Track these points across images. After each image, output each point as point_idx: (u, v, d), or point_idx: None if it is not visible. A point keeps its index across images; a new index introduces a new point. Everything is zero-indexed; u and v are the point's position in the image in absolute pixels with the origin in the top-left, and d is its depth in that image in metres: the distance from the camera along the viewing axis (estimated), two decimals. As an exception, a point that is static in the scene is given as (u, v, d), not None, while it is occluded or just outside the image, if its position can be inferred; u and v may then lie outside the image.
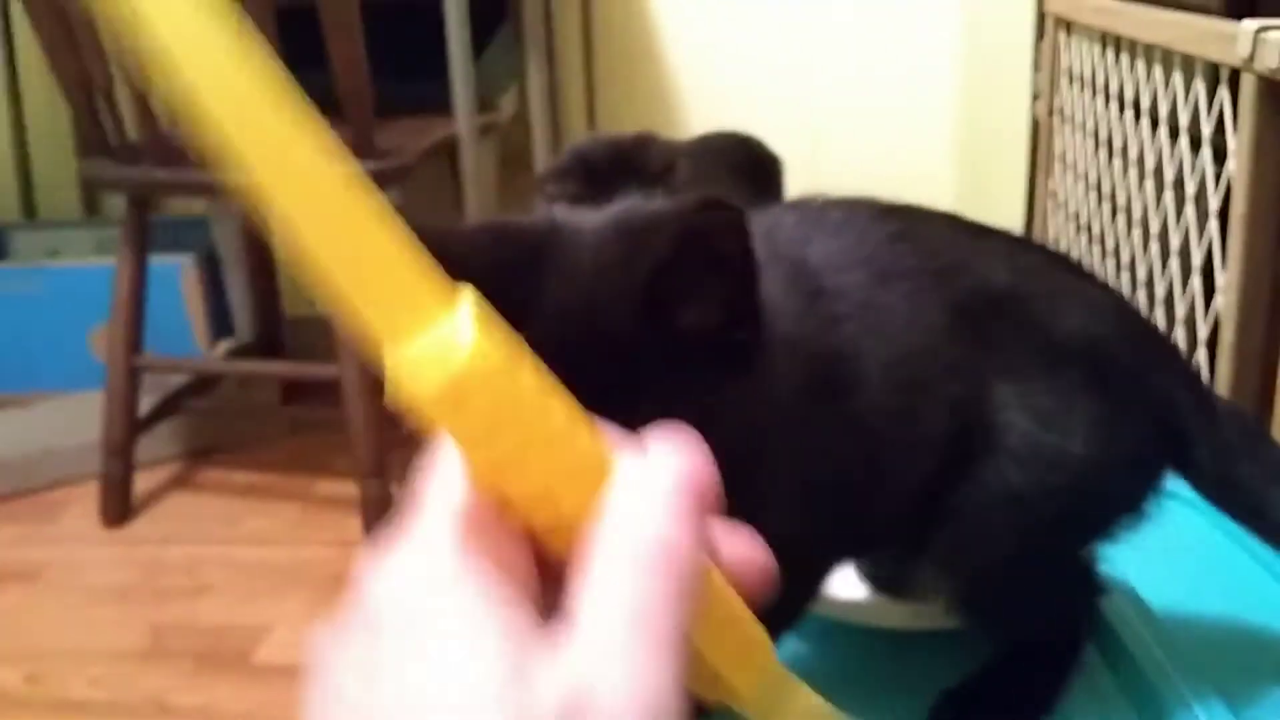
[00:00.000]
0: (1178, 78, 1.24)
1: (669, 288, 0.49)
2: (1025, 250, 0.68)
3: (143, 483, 2.11)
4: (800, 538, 0.53)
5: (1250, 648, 0.73)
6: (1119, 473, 0.64)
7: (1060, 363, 0.62)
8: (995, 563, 0.63)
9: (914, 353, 0.60)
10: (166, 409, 2.17)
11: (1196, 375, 0.69)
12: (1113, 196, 1.47)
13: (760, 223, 0.59)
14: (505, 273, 0.49)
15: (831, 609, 0.76)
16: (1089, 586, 0.69)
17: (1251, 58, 0.99)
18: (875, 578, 0.76)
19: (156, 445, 2.19)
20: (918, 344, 0.60)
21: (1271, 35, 0.96)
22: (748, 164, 1.90)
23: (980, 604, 0.67)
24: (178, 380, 2.25)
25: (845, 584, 0.76)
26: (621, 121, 2.62)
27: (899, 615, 0.75)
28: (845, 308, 0.59)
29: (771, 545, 0.38)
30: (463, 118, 2.04)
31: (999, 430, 0.61)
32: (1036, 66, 1.98)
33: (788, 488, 0.58)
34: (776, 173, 1.91)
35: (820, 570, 0.65)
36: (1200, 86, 1.18)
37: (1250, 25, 1.00)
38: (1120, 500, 0.66)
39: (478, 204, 2.08)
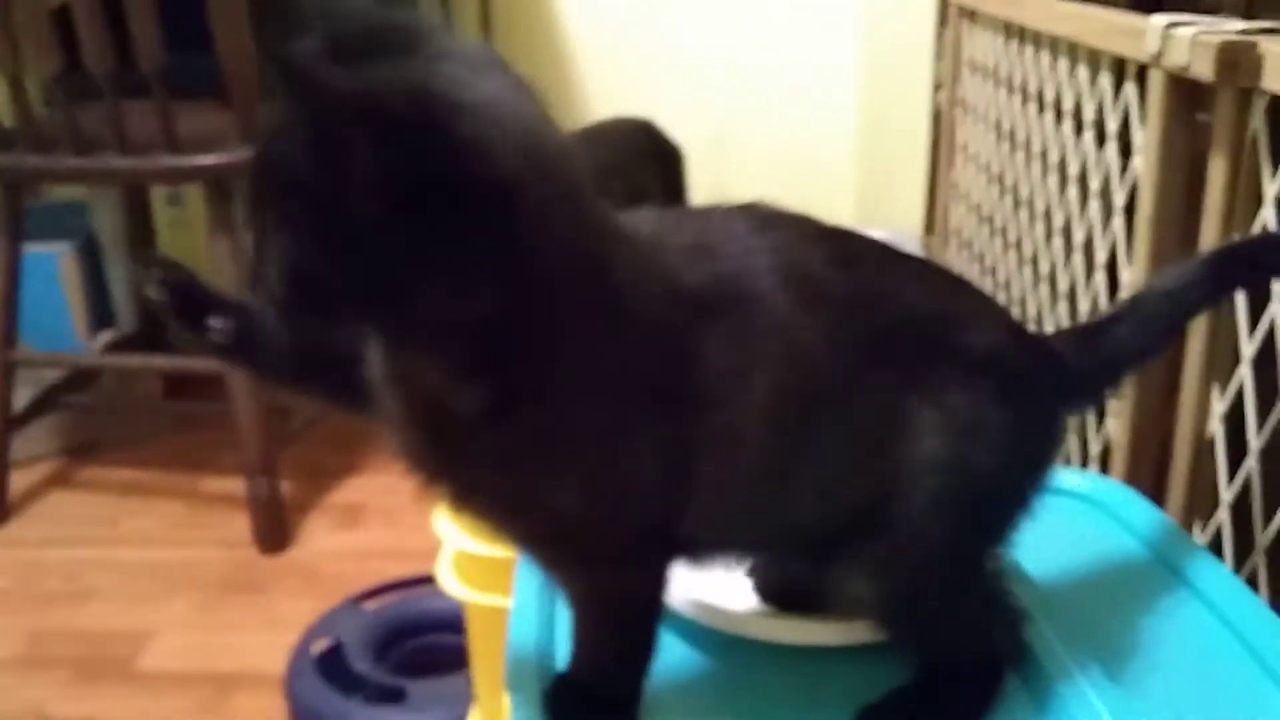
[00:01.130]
0: (1083, 71, 1.23)
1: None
2: (935, 274, 0.73)
3: (18, 482, 2.02)
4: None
5: (1127, 616, 0.80)
6: (1024, 473, 0.71)
7: (972, 376, 0.67)
8: (918, 568, 0.67)
9: (823, 373, 0.64)
10: (43, 404, 2.08)
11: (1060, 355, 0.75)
12: (1015, 190, 1.47)
13: (699, 221, 0.66)
14: None
15: (745, 626, 0.75)
16: (1008, 609, 0.73)
17: (1160, 54, 0.99)
18: (781, 593, 0.76)
19: (32, 442, 2.10)
20: (828, 367, 0.64)
21: (1180, 31, 0.95)
22: (650, 150, 1.87)
23: (902, 613, 0.70)
24: (55, 374, 2.16)
25: (750, 599, 0.75)
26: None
27: (817, 632, 0.75)
28: (755, 321, 0.62)
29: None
30: (355, 102, 1.97)
31: (920, 443, 0.65)
32: (939, 56, 1.98)
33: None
34: (678, 160, 1.89)
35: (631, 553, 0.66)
36: (1106, 81, 1.18)
37: (1159, 21, 0.99)
38: (1025, 499, 0.71)
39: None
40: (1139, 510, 0.90)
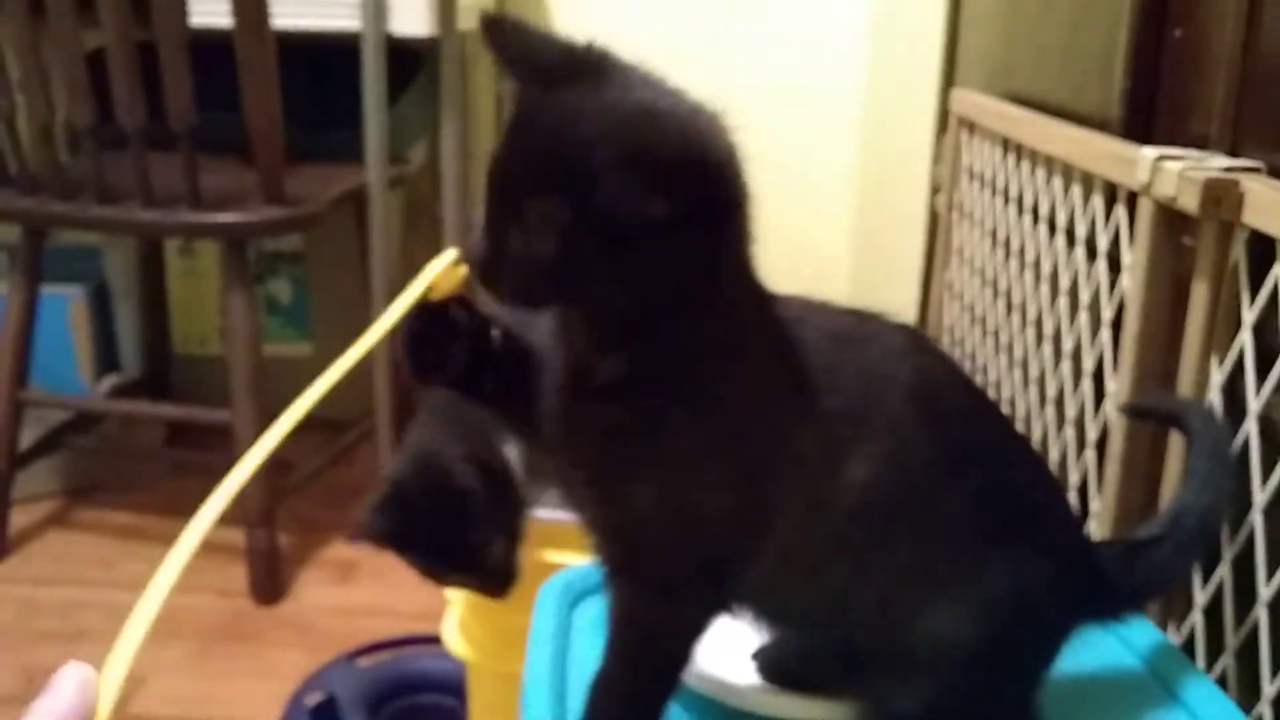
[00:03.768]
0: (1076, 190, 1.30)
1: None
2: (1041, 466, 0.83)
3: (19, 519, 2.05)
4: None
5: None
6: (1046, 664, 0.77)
7: (1041, 558, 0.74)
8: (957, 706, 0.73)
9: (919, 491, 0.70)
10: (47, 444, 2.12)
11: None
12: (1008, 295, 1.53)
13: (852, 318, 0.74)
14: None
15: (749, 700, 0.79)
16: None
17: (1149, 184, 1.05)
18: (786, 672, 0.80)
19: (34, 481, 2.13)
20: (925, 488, 0.70)
21: (1169, 165, 1.02)
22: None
23: None
24: (60, 415, 2.19)
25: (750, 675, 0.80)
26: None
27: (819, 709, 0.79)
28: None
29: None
30: (374, 170, 2.04)
31: (986, 591, 0.72)
32: (937, 160, 2.06)
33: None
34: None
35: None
36: (1098, 201, 1.25)
37: (1149, 153, 1.06)
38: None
39: (382, 252, 2.08)
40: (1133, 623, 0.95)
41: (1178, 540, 0.84)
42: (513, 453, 1.02)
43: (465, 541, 1.00)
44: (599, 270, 0.61)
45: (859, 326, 0.73)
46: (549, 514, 1.08)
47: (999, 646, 0.72)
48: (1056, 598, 0.75)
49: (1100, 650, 0.91)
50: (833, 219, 2.45)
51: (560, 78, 0.62)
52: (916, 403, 0.70)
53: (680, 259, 0.62)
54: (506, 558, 1.02)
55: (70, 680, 0.46)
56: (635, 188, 0.58)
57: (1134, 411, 1.08)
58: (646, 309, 0.63)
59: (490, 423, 0.97)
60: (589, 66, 0.63)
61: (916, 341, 0.75)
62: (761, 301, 0.68)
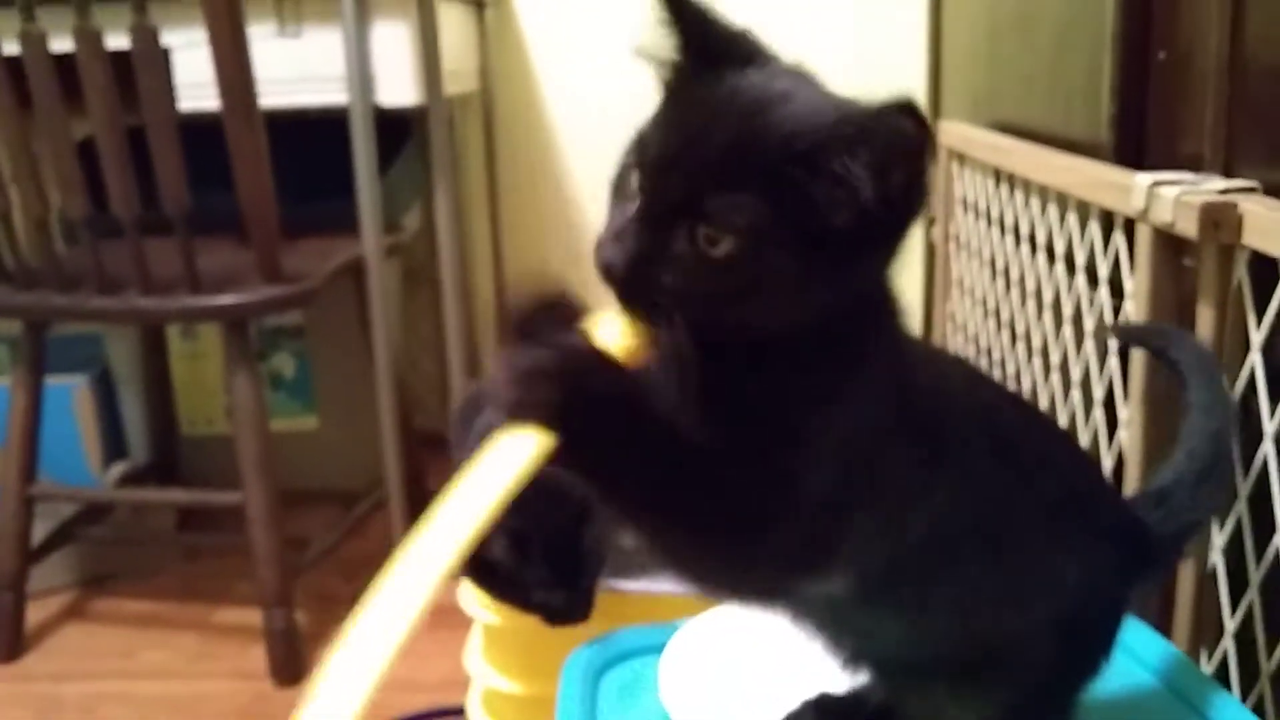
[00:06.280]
0: (1072, 217, 1.30)
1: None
2: (1079, 452, 0.89)
3: (34, 615, 2.04)
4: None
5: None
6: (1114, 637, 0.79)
7: (1102, 542, 0.77)
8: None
9: (992, 506, 0.70)
10: (59, 538, 2.11)
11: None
12: (1011, 325, 1.53)
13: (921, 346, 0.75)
14: None
15: None
16: None
17: (1146, 210, 1.05)
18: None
19: (48, 574, 2.12)
20: (1000, 504, 0.71)
21: (1165, 191, 1.02)
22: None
23: None
24: (70, 507, 2.18)
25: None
26: (526, 232, 2.65)
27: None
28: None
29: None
30: (369, 241, 2.04)
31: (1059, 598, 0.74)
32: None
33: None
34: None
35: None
36: (1095, 228, 1.24)
37: (1144, 179, 1.05)
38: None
39: (384, 322, 2.08)
40: (1147, 641, 0.94)
41: (1197, 474, 0.85)
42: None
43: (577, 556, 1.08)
44: (788, 274, 0.56)
45: (932, 353, 0.79)
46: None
47: (1075, 638, 0.74)
48: (1119, 575, 0.78)
49: (1131, 679, 0.90)
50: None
51: (736, 60, 0.59)
52: (976, 416, 0.70)
53: (872, 257, 0.58)
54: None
55: None
56: (862, 173, 0.54)
57: (1124, 335, 1.11)
58: (818, 314, 0.58)
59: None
60: (757, 53, 0.60)
61: (973, 371, 0.79)
62: (895, 307, 0.65)
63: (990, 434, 0.70)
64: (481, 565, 1.10)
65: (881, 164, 0.54)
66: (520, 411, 0.55)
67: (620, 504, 0.60)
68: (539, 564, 1.07)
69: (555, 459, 0.55)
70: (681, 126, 0.58)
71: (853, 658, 0.75)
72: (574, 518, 1.06)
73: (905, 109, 0.54)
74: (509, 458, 0.55)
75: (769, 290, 0.57)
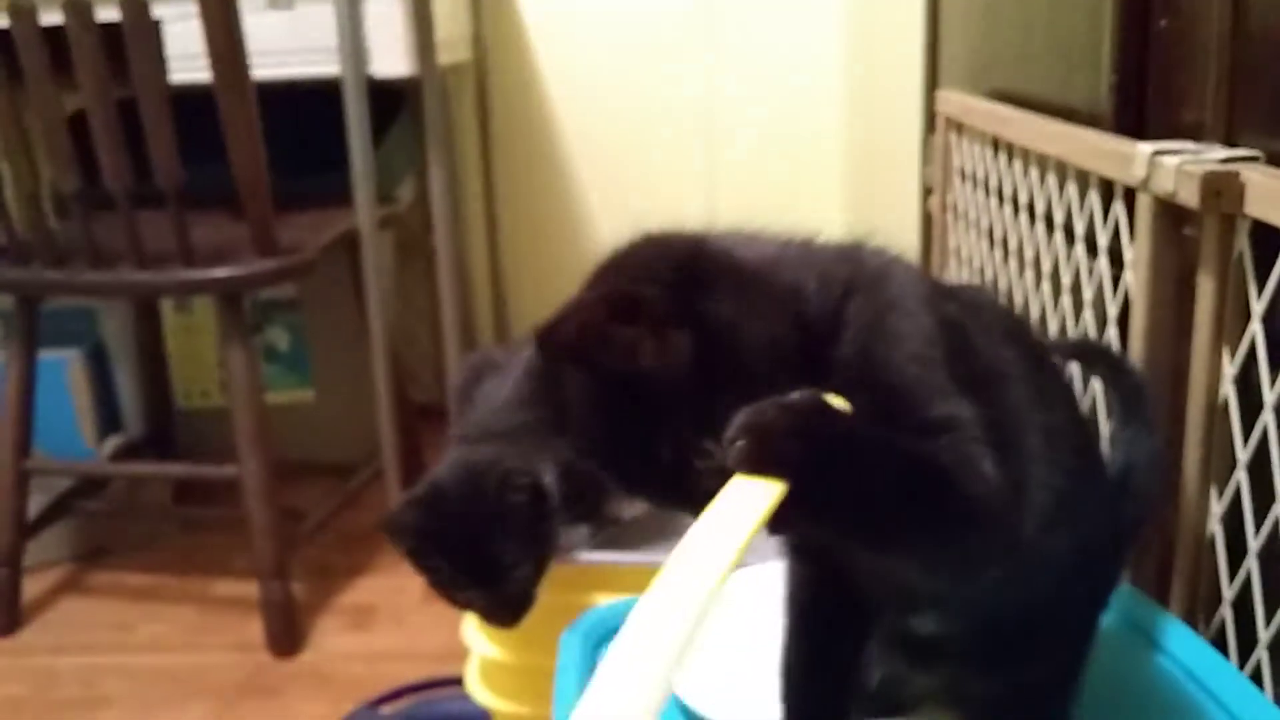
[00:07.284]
0: (1072, 187, 1.29)
1: None
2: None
3: (30, 588, 2.04)
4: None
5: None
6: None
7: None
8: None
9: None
10: (55, 511, 2.11)
11: None
12: (1009, 295, 1.52)
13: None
14: None
15: None
16: None
17: (1147, 179, 1.04)
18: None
19: (44, 548, 2.12)
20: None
21: (1166, 160, 1.01)
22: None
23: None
24: (66, 481, 2.18)
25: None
26: (519, 203, 2.64)
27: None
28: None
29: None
30: (364, 213, 2.03)
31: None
32: (927, 161, 2.05)
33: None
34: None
35: None
36: (1094, 197, 1.24)
37: (1146, 148, 1.05)
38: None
39: (379, 294, 2.07)
40: (1145, 609, 0.94)
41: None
42: (554, 485, 1.01)
43: (494, 557, 0.99)
44: None
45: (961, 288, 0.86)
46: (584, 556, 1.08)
47: (1105, 595, 0.84)
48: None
49: (1128, 648, 0.90)
50: (824, 226, 2.43)
51: None
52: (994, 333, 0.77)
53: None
54: (528, 585, 1.01)
55: None
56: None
57: (1070, 352, 1.17)
58: None
59: (541, 452, 0.97)
60: None
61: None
62: None
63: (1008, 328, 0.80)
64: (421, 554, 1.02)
65: None
66: (762, 469, 0.57)
67: (860, 536, 0.63)
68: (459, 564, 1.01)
69: (789, 508, 0.57)
70: None
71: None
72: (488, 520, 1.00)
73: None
74: (751, 503, 0.56)
75: None
